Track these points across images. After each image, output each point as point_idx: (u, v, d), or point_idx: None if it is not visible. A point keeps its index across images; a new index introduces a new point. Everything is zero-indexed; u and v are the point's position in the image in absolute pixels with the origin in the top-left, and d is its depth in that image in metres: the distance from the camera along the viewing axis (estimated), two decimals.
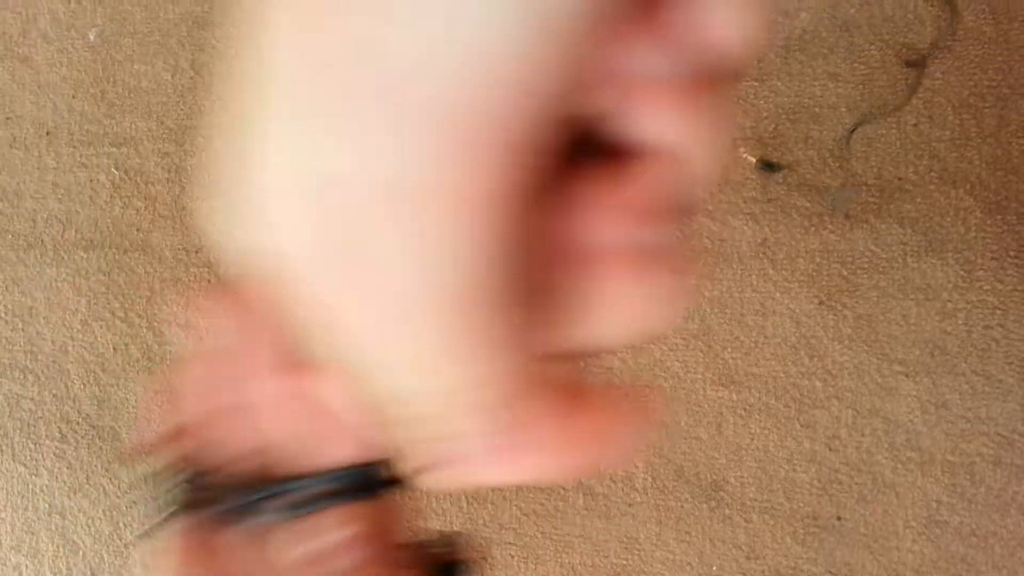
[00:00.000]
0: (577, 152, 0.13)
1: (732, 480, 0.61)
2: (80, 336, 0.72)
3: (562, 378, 0.15)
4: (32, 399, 0.72)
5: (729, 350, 0.62)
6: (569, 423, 0.15)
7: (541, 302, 0.14)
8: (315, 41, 0.11)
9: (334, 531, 0.18)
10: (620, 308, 0.14)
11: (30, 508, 0.71)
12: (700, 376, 0.62)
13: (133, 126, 0.72)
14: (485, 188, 0.11)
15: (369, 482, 0.19)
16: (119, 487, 0.70)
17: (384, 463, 0.19)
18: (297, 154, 0.12)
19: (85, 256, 0.72)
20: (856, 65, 0.63)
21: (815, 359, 0.61)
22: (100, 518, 0.70)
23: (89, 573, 0.70)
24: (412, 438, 0.15)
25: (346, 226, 0.12)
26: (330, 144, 0.11)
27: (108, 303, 0.71)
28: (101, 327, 0.71)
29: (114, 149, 0.73)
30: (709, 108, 0.13)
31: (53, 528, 0.71)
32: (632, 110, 0.13)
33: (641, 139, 0.13)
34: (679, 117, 0.13)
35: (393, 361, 0.13)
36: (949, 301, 0.60)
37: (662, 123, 0.13)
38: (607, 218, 0.13)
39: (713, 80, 0.13)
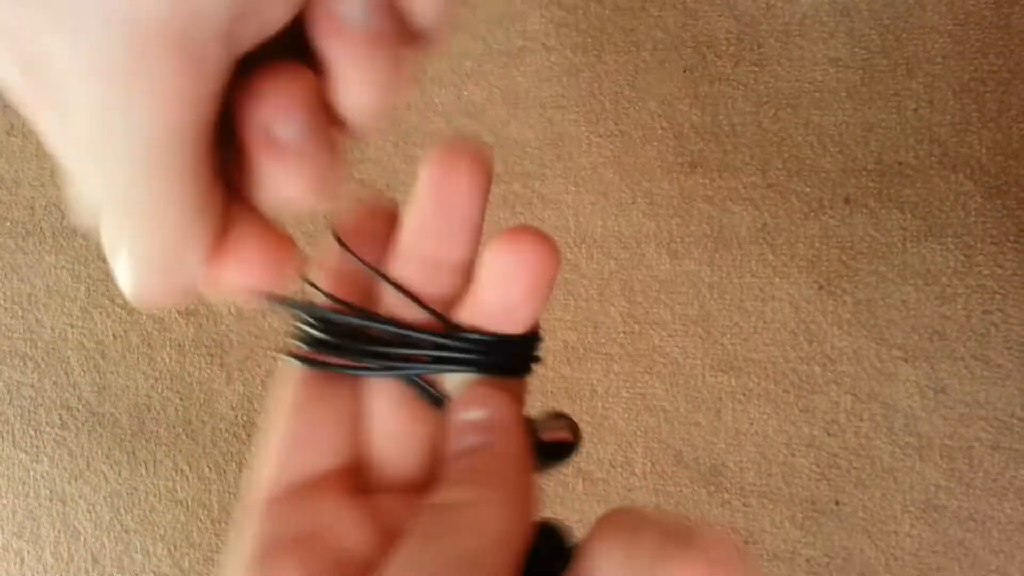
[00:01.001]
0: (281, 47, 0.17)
1: (731, 465, 0.61)
2: (80, 323, 0.72)
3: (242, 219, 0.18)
4: (32, 386, 0.72)
5: (728, 335, 0.62)
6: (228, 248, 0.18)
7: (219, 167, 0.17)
8: None
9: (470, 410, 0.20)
10: (278, 182, 0.18)
11: (31, 495, 0.71)
12: (699, 361, 0.62)
13: None
14: (173, 87, 0.14)
15: (507, 357, 0.21)
16: (120, 474, 0.70)
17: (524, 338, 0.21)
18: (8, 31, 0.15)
19: (84, 243, 0.72)
20: (857, 50, 0.63)
21: (814, 344, 0.61)
22: (101, 504, 0.71)
23: (90, 559, 0.71)
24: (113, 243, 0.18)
25: (56, 100, 0.15)
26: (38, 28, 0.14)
27: (107, 290, 0.71)
28: (101, 314, 0.71)
29: None
30: (387, 60, 0.17)
31: (54, 514, 0.71)
32: (320, 37, 0.16)
33: (321, 57, 0.17)
34: (355, 57, 0.16)
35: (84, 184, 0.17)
36: (948, 286, 0.60)
37: (336, 54, 0.16)
38: (271, 108, 0.16)
39: (398, 40, 0.17)
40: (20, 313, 0.72)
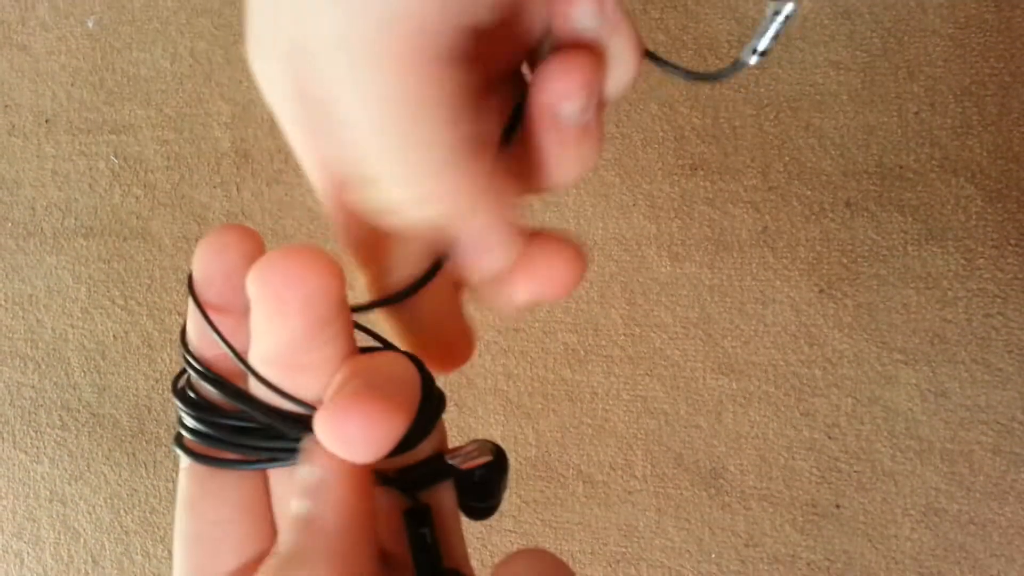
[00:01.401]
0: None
1: (731, 468, 0.61)
2: (80, 324, 0.72)
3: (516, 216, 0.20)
4: (33, 387, 0.72)
5: (729, 338, 0.62)
6: (525, 249, 0.20)
7: (492, 151, 0.19)
8: None
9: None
10: (559, 164, 0.20)
11: (31, 495, 0.71)
12: (700, 364, 0.62)
13: (132, 114, 0.72)
14: (417, 49, 0.16)
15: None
16: (120, 475, 0.70)
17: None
18: (273, 21, 0.17)
19: (85, 244, 0.72)
20: (858, 53, 0.63)
21: (815, 347, 0.61)
22: (101, 505, 0.71)
23: (90, 560, 0.71)
24: (410, 240, 0.20)
25: (312, 82, 0.17)
26: (298, 12, 0.16)
27: (108, 291, 0.71)
28: (101, 315, 0.71)
29: (113, 137, 0.73)
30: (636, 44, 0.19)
31: (54, 515, 0.71)
32: (559, 14, 0.18)
33: (572, 35, 0.18)
34: (618, 43, 0.19)
35: (377, 179, 0.18)
36: (949, 289, 0.60)
37: (586, 20, 0.18)
38: (556, 91, 0.18)
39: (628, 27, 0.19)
40: (21, 314, 0.72)
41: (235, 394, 0.20)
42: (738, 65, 0.21)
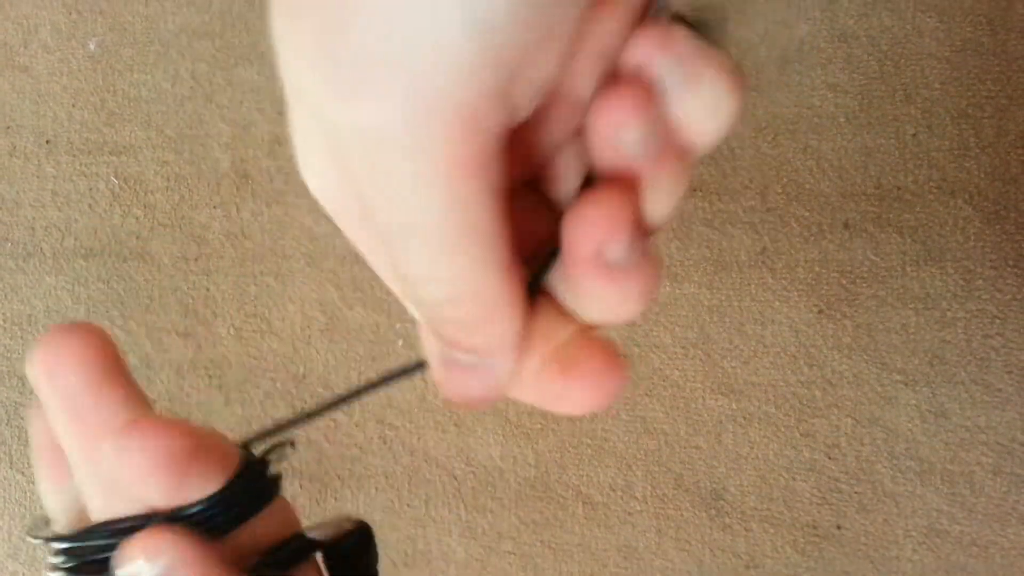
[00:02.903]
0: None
1: (732, 489, 0.61)
2: None
3: (548, 333, 0.19)
4: (30, 407, 0.72)
5: (728, 359, 0.62)
6: (544, 369, 0.19)
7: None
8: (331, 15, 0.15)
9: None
10: (595, 301, 0.18)
11: (27, 516, 0.71)
12: (699, 385, 0.62)
13: (132, 135, 0.73)
14: (455, 151, 0.15)
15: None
16: None
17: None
18: (317, 107, 0.16)
19: (84, 264, 0.72)
20: (855, 75, 0.63)
21: (814, 368, 0.61)
22: None
23: None
24: (431, 335, 0.19)
25: (353, 170, 0.16)
26: (342, 101, 0.15)
27: (107, 311, 0.71)
28: None
29: (114, 158, 0.73)
30: (677, 164, 0.17)
31: None
32: (602, 134, 0.16)
33: (614, 159, 0.17)
34: (656, 168, 0.17)
35: (402, 277, 0.17)
36: (948, 310, 0.60)
37: (633, 147, 0.16)
38: (588, 228, 0.17)
39: (679, 156, 0.17)
40: (19, 334, 0.72)
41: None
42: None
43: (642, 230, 0.17)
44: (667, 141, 0.16)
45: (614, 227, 0.16)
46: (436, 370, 0.19)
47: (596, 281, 0.17)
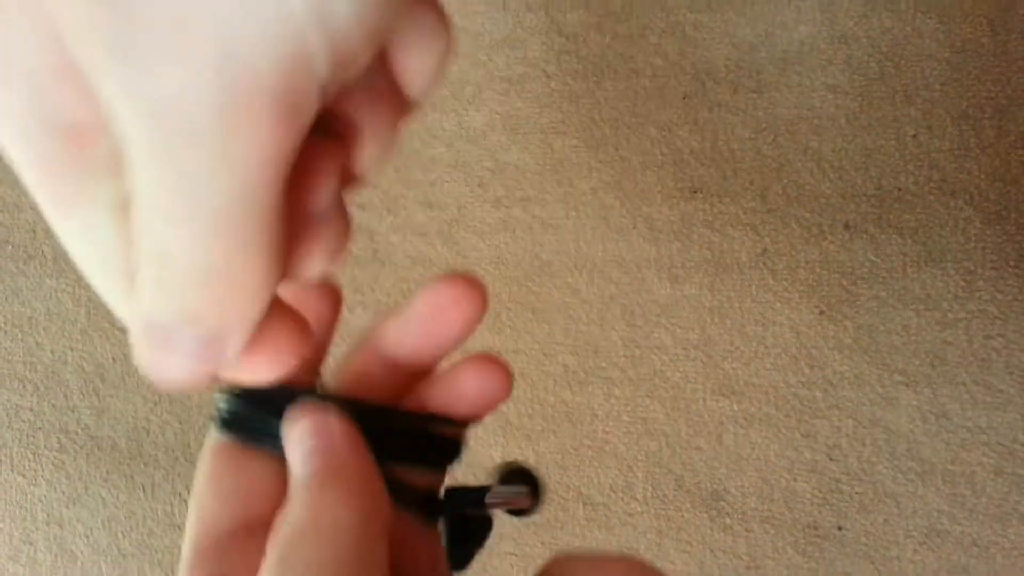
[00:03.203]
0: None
1: (733, 490, 0.61)
2: (79, 346, 0.71)
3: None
4: (31, 409, 0.72)
5: (729, 360, 0.62)
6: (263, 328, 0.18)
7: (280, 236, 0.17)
8: None
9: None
10: (311, 254, 0.18)
11: (28, 518, 0.71)
12: (700, 386, 0.62)
13: None
14: (254, 131, 0.14)
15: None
16: (117, 498, 0.70)
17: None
18: (122, 76, 0.14)
19: None
20: (855, 77, 0.63)
21: (815, 369, 0.61)
22: (98, 528, 0.70)
23: None
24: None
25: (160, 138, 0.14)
26: (149, 68, 0.13)
27: (107, 313, 0.71)
28: (100, 337, 0.71)
29: None
30: (393, 117, 0.18)
31: (51, 538, 0.71)
32: (350, 106, 0.17)
33: (347, 124, 0.17)
34: (374, 119, 0.18)
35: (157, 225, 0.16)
36: (949, 311, 0.60)
37: (364, 118, 0.17)
38: (326, 182, 0.17)
39: (403, 103, 0.18)
40: (20, 336, 0.72)
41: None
42: None
43: (345, 181, 0.18)
44: (385, 88, 0.17)
45: (320, 178, 0.17)
46: (145, 345, 0.18)
47: (302, 230, 0.17)
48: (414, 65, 0.17)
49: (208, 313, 0.17)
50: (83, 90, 0.15)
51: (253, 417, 0.21)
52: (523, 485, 0.22)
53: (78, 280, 0.72)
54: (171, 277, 0.16)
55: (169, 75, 0.13)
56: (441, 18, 0.17)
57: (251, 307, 0.17)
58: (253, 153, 0.14)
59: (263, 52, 0.13)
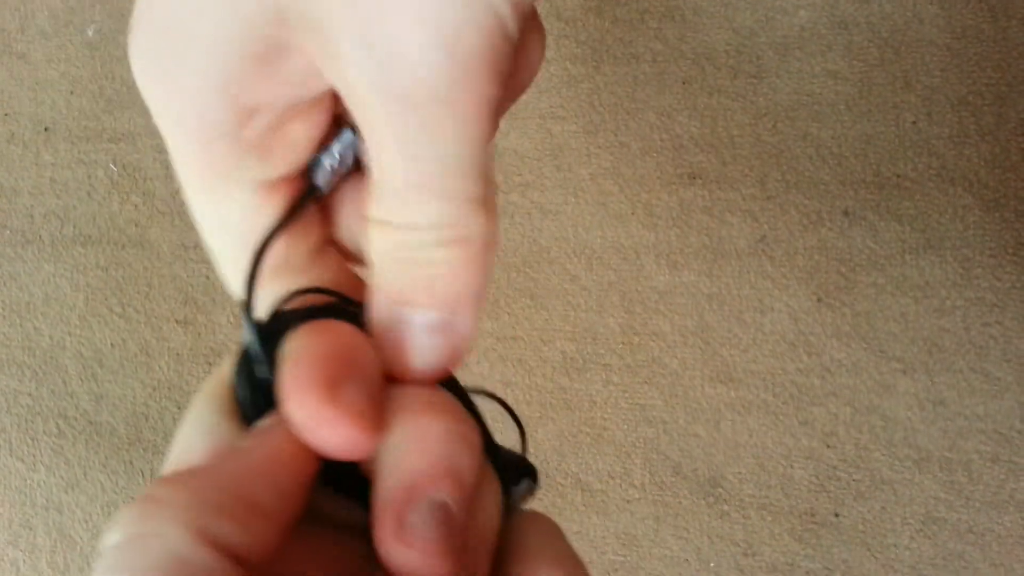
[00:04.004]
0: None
1: (730, 477, 0.61)
2: (78, 332, 0.72)
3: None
4: (29, 394, 0.72)
5: (727, 347, 0.62)
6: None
7: None
8: None
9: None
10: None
11: (27, 503, 0.71)
12: (698, 373, 0.62)
13: (131, 122, 0.72)
14: (474, 88, 0.16)
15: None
16: (116, 483, 0.70)
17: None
18: (360, 35, 0.16)
19: (83, 252, 0.72)
20: (855, 63, 0.63)
21: (813, 356, 0.61)
22: (97, 514, 0.70)
23: (86, 568, 0.70)
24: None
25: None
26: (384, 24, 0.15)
27: (106, 299, 0.71)
28: (99, 323, 0.71)
29: (112, 145, 0.73)
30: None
31: (50, 523, 0.71)
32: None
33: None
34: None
35: None
36: (947, 298, 0.60)
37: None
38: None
39: None
40: (18, 322, 0.72)
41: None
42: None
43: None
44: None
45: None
46: (400, 340, 0.19)
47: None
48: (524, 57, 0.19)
49: (445, 283, 0.17)
50: (274, 68, 0.17)
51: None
52: (524, 478, 0.21)
53: (76, 265, 0.72)
54: (412, 244, 0.17)
55: (404, 35, 0.15)
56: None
57: (480, 276, 0.18)
58: (472, 107, 0.15)
59: (471, 21, 0.15)
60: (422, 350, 0.18)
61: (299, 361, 0.16)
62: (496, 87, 0.16)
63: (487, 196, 0.17)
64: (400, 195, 0.16)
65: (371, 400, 0.16)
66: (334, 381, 0.16)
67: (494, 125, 0.16)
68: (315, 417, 0.15)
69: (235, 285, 0.20)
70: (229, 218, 0.19)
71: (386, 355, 0.18)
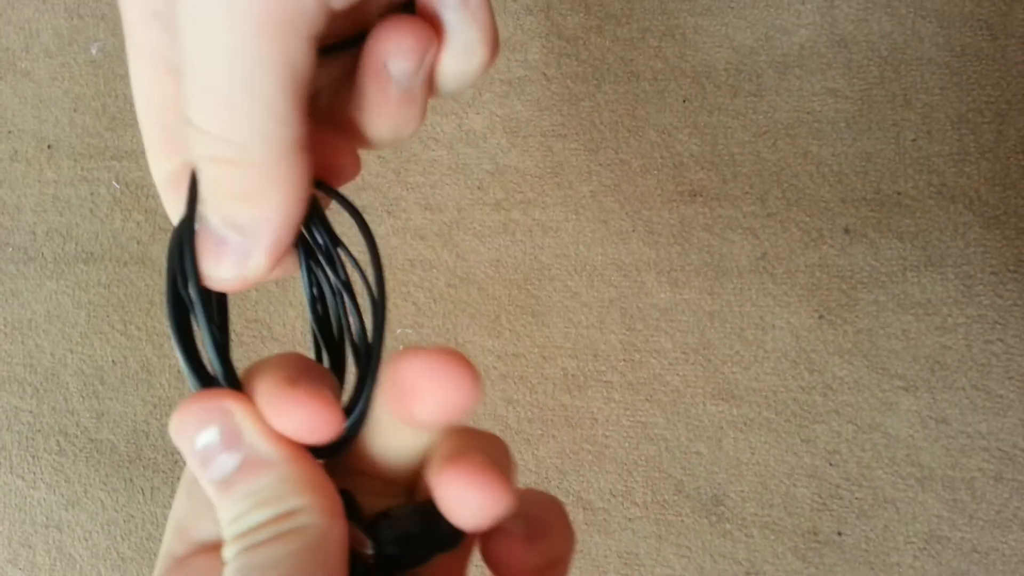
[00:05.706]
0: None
1: (732, 495, 0.61)
2: (79, 349, 0.72)
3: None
4: (30, 412, 0.72)
5: (728, 364, 0.62)
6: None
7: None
8: None
9: None
10: (376, 122, 0.21)
11: (27, 521, 0.71)
12: (700, 390, 0.62)
13: (134, 140, 0.73)
14: (281, 20, 0.17)
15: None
16: (117, 501, 0.70)
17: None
18: None
19: (85, 269, 0.72)
20: (855, 81, 0.63)
21: (815, 373, 0.61)
22: (97, 532, 0.70)
23: None
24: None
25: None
26: None
27: (107, 316, 0.71)
28: (100, 340, 0.71)
29: (115, 162, 0.73)
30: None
31: (50, 542, 0.71)
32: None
33: (430, 12, 0.20)
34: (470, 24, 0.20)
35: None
36: (948, 316, 0.60)
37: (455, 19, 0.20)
38: (388, 48, 0.19)
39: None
40: (20, 339, 0.72)
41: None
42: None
43: (427, 66, 0.19)
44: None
45: (404, 45, 0.19)
46: (200, 242, 0.20)
47: (374, 90, 0.19)
48: (449, 67, 0.20)
49: (231, 203, 0.19)
50: None
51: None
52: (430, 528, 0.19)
53: (78, 282, 0.72)
54: (203, 159, 0.19)
55: None
56: (485, 34, 0.20)
57: (268, 204, 0.19)
58: (265, 57, 0.17)
59: None
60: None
61: (263, 371, 0.20)
62: (282, 38, 0.17)
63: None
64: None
65: (329, 390, 0.20)
66: (292, 378, 0.19)
67: (291, 69, 0.17)
68: (279, 400, 0.19)
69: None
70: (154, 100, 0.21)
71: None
